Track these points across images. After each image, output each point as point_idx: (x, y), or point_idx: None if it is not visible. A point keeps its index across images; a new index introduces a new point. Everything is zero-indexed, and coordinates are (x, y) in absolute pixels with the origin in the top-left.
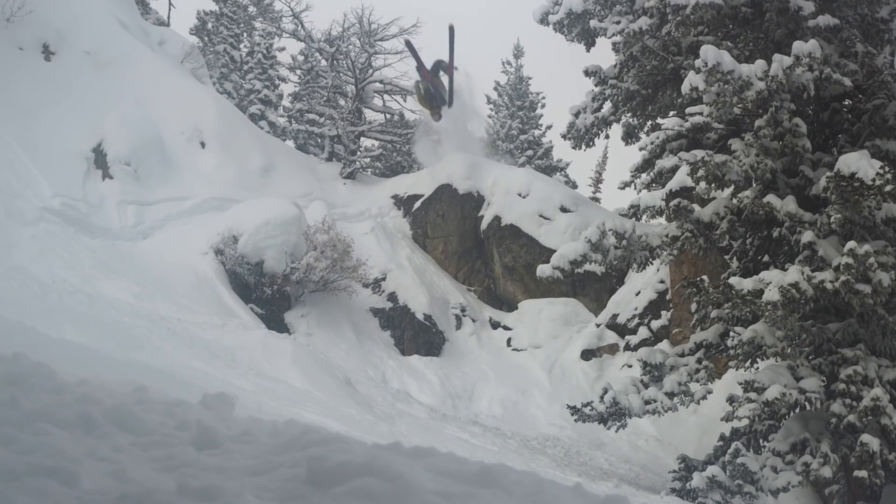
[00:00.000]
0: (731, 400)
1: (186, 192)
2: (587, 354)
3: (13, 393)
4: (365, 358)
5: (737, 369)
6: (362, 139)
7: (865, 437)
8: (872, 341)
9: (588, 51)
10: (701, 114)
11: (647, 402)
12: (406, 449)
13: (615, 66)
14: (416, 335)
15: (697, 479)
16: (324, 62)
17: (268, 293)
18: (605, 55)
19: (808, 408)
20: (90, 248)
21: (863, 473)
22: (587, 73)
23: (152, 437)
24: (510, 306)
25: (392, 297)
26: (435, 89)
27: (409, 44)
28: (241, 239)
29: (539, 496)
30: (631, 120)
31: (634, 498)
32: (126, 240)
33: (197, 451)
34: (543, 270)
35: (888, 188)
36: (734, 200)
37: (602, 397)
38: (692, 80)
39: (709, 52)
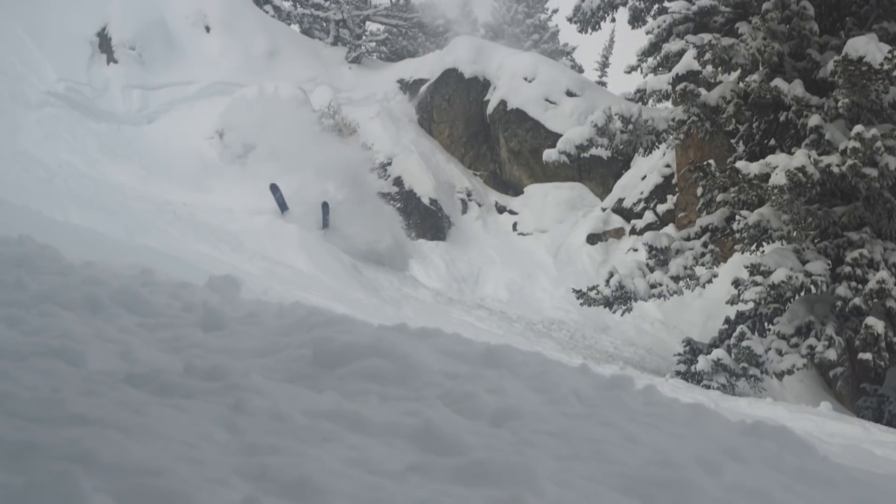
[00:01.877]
0: (737, 283)
1: (191, 77)
2: (593, 239)
3: (19, 275)
4: None
5: (742, 253)
6: (368, 23)
7: (870, 320)
8: (878, 224)
9: None
10: None
11: (652, 286)
12: (412, 330)
13: None
14: (422, 220)
15: (702, 362)
16: None
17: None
18: None
19: (813, 291)
20: (95, 133)
21: (867, 356)
22: None
23: (158, 318)
24: (516, 191)
25: (398, 181)
26: None
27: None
28: None
29: (545, 376)
30: (637, 3)
31: (639, 380)
32: (131, 124)
33: (203, 333)
34: (549, 154)
35: None
36: (741, 84)
37: (608, 281)
38: None
39: None
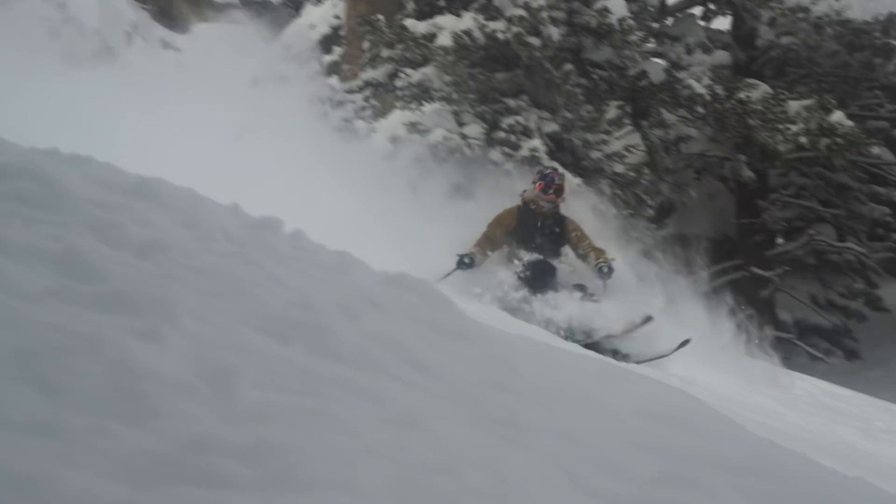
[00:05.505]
0: (394, 140)
1: None
2: (258, 82)
3: None
4: None
5: (402, 110)
6: None
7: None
8: (536, 93)
9: None
10: None
11: None
12: (64, 156)
13: None
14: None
15: None
16: None
17: None
18: None
19: (467, 153)
20: None
21: None
22: None
23: None
24: (183, 29)
25: (61, 5)
26: None
27: None
28: None
29: (194, 211)
30: None
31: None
32: None
33: None
34: None
35: None
36: None
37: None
38: None
39: None
